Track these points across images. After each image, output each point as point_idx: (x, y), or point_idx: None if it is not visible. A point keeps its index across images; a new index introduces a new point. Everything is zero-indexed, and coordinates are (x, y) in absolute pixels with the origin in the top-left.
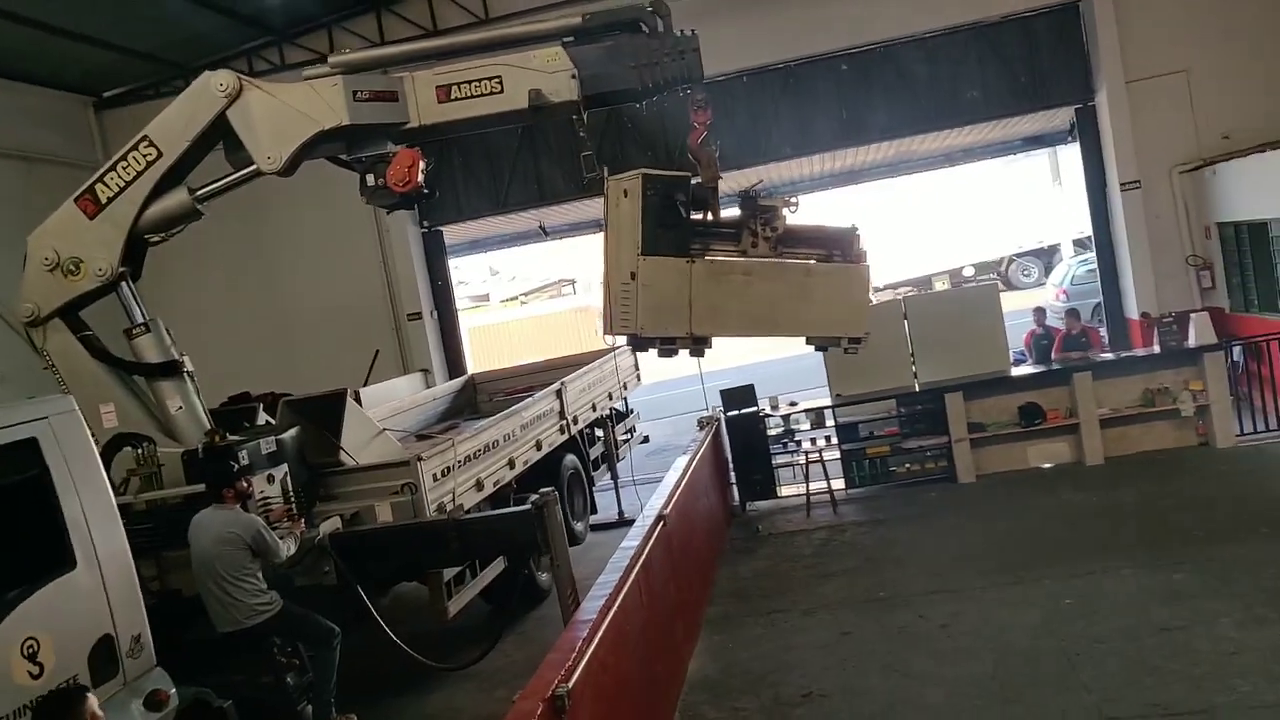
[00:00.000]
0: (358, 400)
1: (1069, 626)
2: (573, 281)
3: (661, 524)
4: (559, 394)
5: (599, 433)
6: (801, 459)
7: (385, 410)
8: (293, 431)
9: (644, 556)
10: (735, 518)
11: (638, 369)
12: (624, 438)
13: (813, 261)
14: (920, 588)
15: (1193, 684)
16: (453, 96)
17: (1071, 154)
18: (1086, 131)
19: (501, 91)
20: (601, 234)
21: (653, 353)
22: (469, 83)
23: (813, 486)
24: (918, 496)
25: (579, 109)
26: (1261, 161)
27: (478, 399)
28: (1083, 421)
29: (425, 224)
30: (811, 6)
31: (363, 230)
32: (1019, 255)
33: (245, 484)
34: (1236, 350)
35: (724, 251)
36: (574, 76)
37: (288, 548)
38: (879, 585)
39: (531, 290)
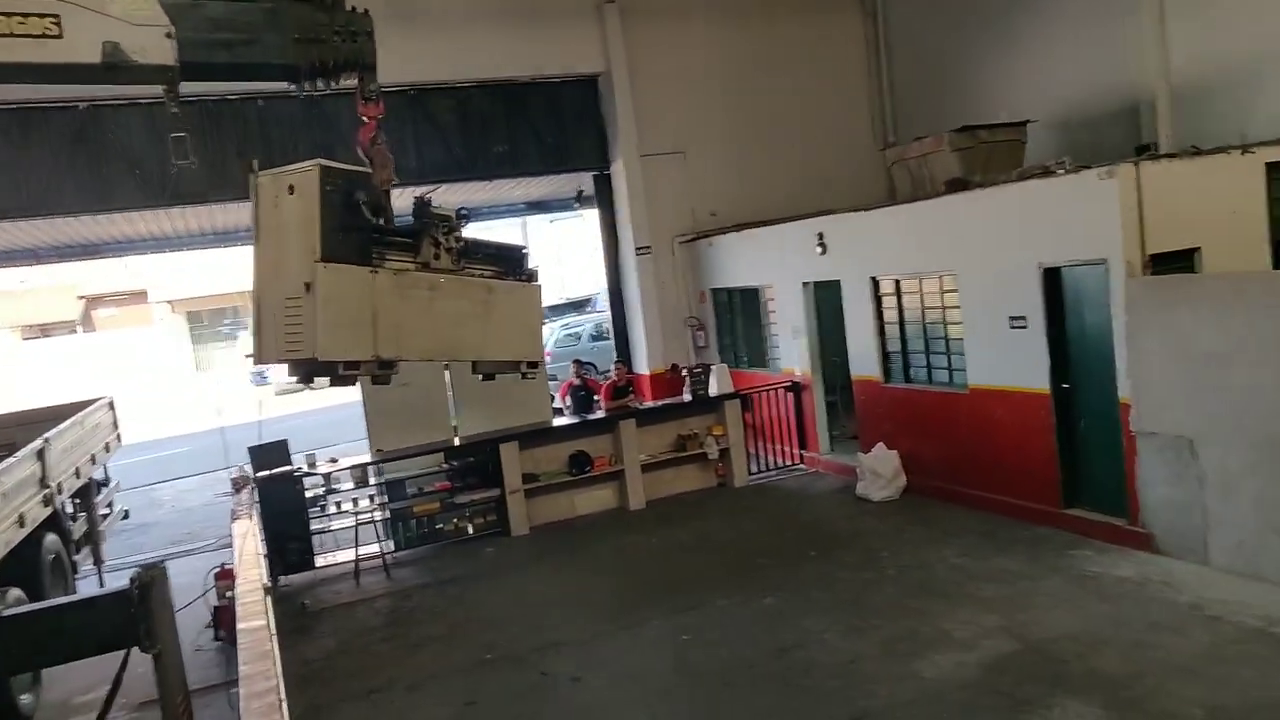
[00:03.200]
0: None
1: (700, 661)
2: None
3: (269, 598)
4: (41, 454)
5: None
6: (345, 522)
7: None
8: None
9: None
10: (267, 593)
11: (117, 428)
12: (103, 513)
13: (492, 279)
14: (528, 645)
15: (839, 696)
16: None
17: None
18: (603, 197)
19: (60, 36)
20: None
21: (322, 382)
22: (7, 15)
23: (366, 550)
24: (475, 553)
25: (173, 77)
26: (754, 237)
27: None
28: (627, 468)
29: None
30: None
31: None
32: None
33: None
34: None
35: (403, 263)
36: (170, 35)
37: None
38: (481, 648)
39: None
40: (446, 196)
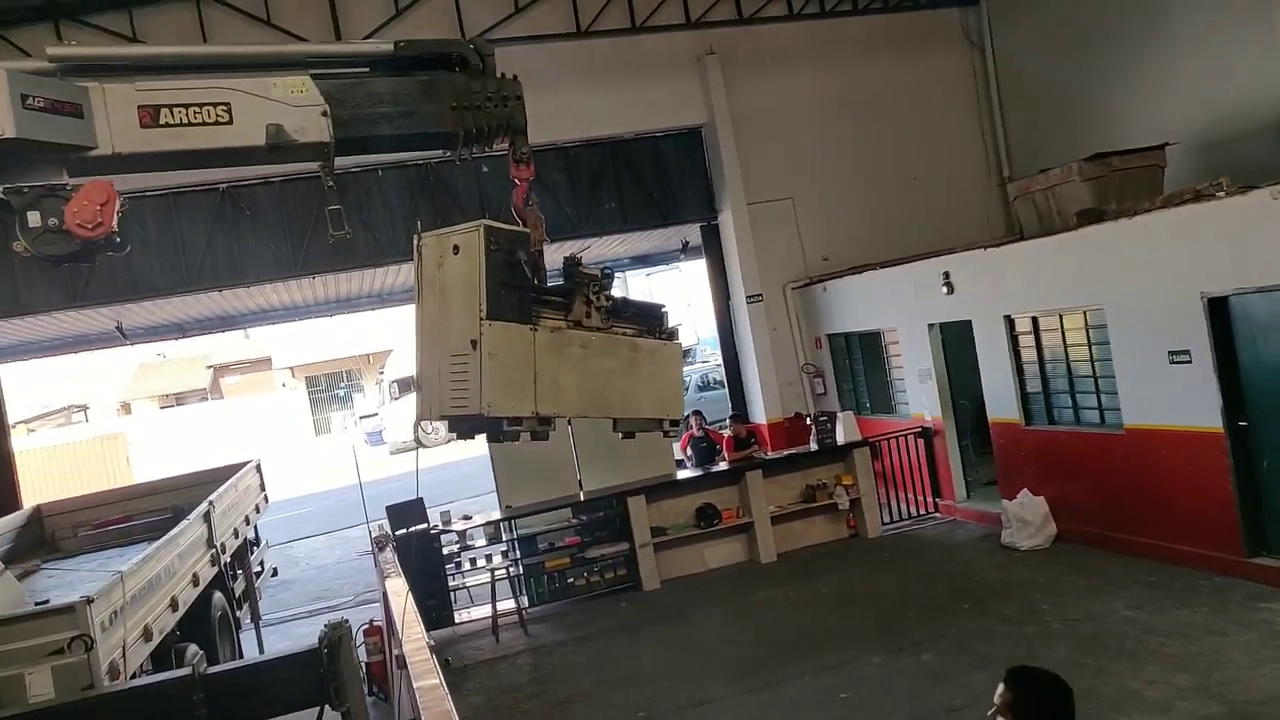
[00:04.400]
0: None
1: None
2: (85, 408)
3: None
4: (208, 516)
5: (237, 565)
6: (480, 579)
7: None
8: None
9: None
10: (433, 651)
11: (264, 489)
12: (256, 571)
13: (637, 338)
14: (678, 702)
15: None
16: (162, 121)
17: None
18: (711, 247)
19: (230, 122)
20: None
21: (480, 439)
22: (186, 107)
23: (502, 606)
24: (608, 608)
25: (329, 153)
26: (873, 279)
27: (54, 535)
28: (756, 520)
29: None
30: None
31: None
32: None
33: None
34: None
35: (557, 321)
36: (325, 114)
37: None
38: (632, 705)
39: (35, 417)
40: (555, 255)
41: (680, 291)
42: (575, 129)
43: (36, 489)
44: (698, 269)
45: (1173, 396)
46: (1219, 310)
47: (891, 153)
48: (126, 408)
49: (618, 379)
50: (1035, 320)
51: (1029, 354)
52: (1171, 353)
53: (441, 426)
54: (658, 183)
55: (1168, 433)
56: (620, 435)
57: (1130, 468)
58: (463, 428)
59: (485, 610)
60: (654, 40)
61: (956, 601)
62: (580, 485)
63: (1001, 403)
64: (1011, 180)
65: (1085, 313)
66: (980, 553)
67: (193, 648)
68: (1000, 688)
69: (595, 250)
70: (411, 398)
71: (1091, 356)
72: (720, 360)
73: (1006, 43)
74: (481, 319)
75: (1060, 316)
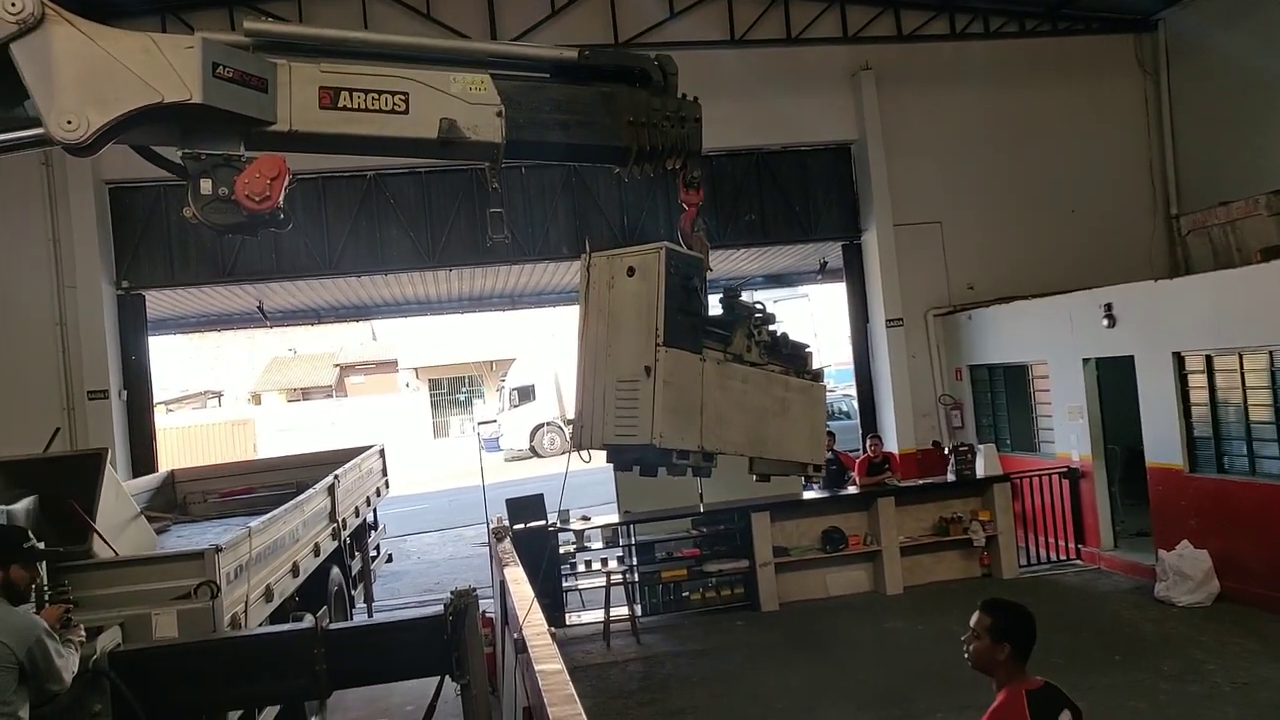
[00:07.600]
0: None
1: None
2: (219, 394)
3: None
4: (331, 490)
5: (355, 545)
6: (594, 582)
7: None
8: (26, 503)
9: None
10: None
11: (386, 474)
12: (371, 554)
13: (789, 377)
14: None
15: None
16: (340, 104)
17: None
18: (852, 268)
19: (406, 112)
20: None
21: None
22: (365, 92)
23: (614, 613)
24: (724, 625)
25: (498, 154)
26: (1023, 309)
27: (185, 500)
28: (885, 548)
29: (125, 284)
30: None
31: (38, 279)
32: None
33: (23, 570)
34: None
35: (718, 353)
36: (500, 114)
37: (70, 666)
38: None
39: (174, 399)
40: None
41: (806, 322)
42: (721, 138)
43: (170, 461)
44: (827, 297)
45: None
46: None
47: (1049, 182)
48: (257, 398)
49: (771, 418)
50: (1209, 359)
51: (1199, 395)
52: None
53: (557, 436)
54: (801, 197)
55: None
56: (755, 478)
57: None
58: (624, 458)
59: (597, 615)
60: (808, 53)
61: (1106, 653)
62: (701, 498)
63: (1163, 446)
64: (1181, 215)
65: (1271, 353)
66: (1130, 605)
67: (310, 616)
68: (977, 615)
69: (727, 265)
70: (529, 407)
71: (1276, 401)
72: (843, 391)
73: (1185, 68)
74: (658, 344)
75: (1240, 355)
